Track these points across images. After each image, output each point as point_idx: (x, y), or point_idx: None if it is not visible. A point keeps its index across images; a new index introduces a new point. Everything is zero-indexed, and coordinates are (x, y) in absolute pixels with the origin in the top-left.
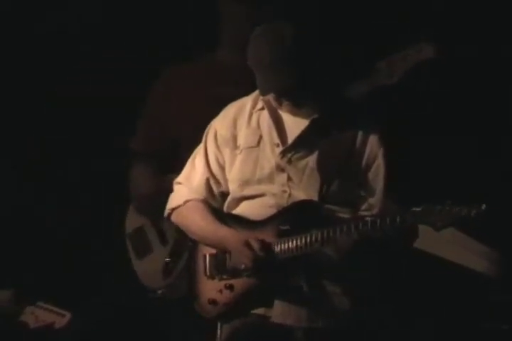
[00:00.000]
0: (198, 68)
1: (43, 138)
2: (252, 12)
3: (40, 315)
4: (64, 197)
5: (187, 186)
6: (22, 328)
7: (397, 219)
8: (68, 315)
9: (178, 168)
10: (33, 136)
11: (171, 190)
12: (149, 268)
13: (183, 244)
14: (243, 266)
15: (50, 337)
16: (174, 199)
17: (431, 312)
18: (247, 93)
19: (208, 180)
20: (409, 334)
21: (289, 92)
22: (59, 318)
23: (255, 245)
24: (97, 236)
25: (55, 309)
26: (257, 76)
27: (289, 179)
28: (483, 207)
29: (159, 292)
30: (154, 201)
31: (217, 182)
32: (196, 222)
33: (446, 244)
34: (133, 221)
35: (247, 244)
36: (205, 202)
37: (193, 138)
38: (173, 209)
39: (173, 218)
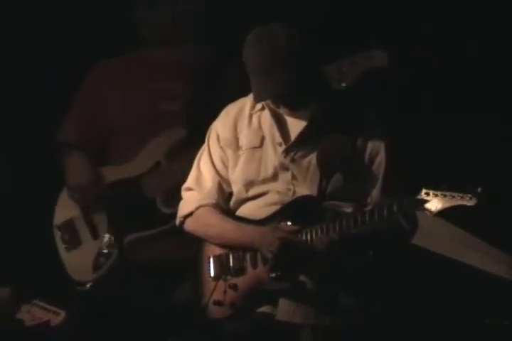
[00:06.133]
0: (130, 62)
1: None
2: (171, 6)
3: (35, 313)
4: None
5: (198, 191)
6: (18, 326)
7: (394, 207)
8: (63, 314)
9: (108, 162)
10: None
11: (103, 183)
12: (78, 261)
13: (115, 238)
14: (271, 250)
15: (45, 335)
16: (185, 206)
17: (434, 309)
18: (179, 86)
19: (219, 182)
20: (411, 331)
21: (286, 99)
22: (54, 316)
23: (285, 228)
24: None
25: (51, 307)
26: (252, 82)
27: (294, 177)
28: (479, 190)
29: (87, 285)
30: (90, 193)
31: (226, 183)
32: (215, 225)
33: (460, 247)
34: (63, 213)
35: (275, 228)
36: (217, 205)
37: (123, 131)
38: (185, 217)
39: (187, 226)
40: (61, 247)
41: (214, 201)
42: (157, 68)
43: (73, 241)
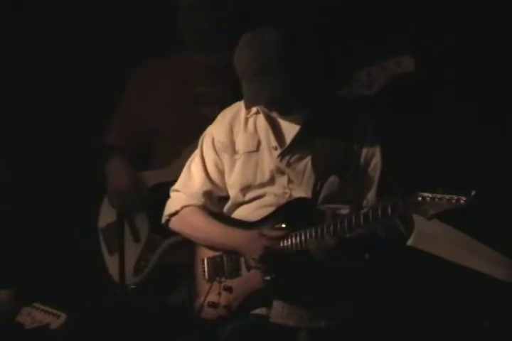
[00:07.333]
0: (171, 65)
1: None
2: (212, 12)
3: (36, 315)
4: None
5: (185, 193)
6: (18, 329)
7: (388, 209)
8: (63, 316)
9: (151, 166)
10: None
11: (145, 187)
12: None
13: (156, 241)
14: (254, 258)
15: (46, 338)
16: (171, 206)
17: (432, 312)
18: (218, 90)
19: (208, 186)
20: (410, 333)
21: (276, 103)
22: (54, 319)
23: (271, 234)
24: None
25: (51, 310)
26: (243, 87)
27: (290, 181)
28: (473, 193)
29: (130, 288)
30: (129, 196)
31: (217, 187)
32: (202, 228)
33: (459, 249)
34: (107, 216)
35: (261, 234)
36: (203, 207)
37: (167, 135)
38: (171, 216)
39: (173, 225)
40: (104, 249)
41: (200, 203)
42: (197, 72)
43: (116, 244)
